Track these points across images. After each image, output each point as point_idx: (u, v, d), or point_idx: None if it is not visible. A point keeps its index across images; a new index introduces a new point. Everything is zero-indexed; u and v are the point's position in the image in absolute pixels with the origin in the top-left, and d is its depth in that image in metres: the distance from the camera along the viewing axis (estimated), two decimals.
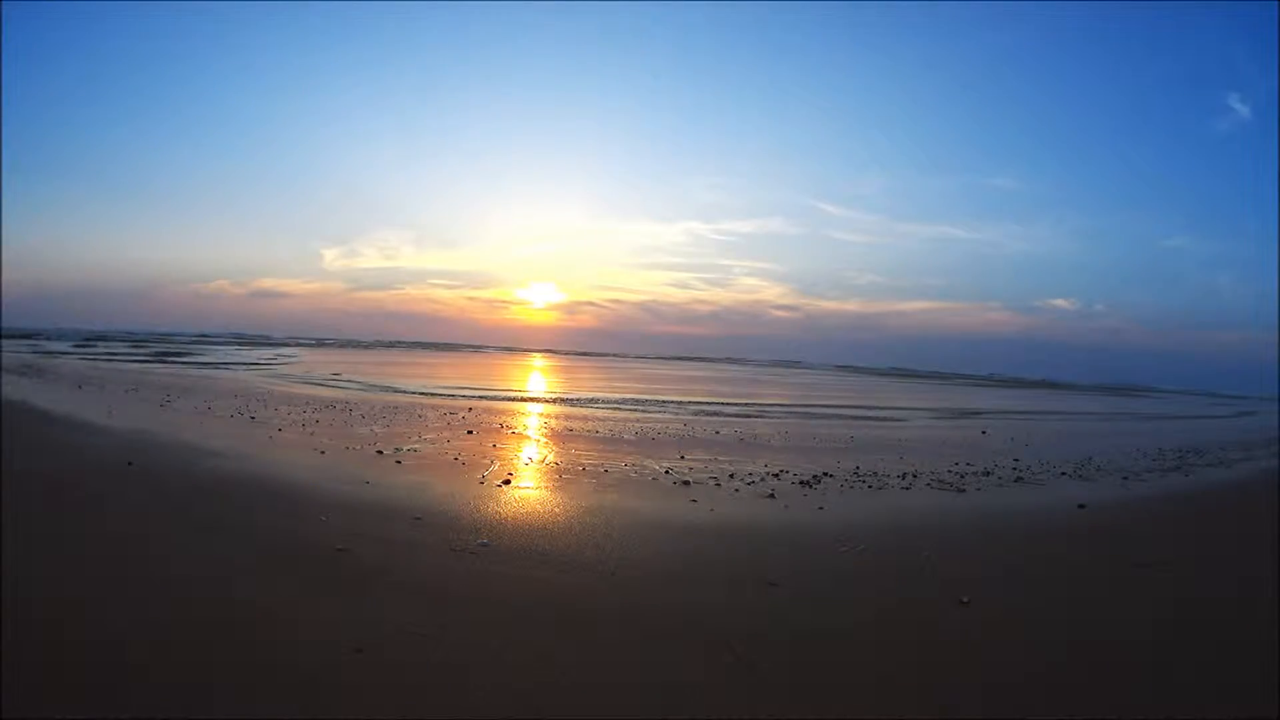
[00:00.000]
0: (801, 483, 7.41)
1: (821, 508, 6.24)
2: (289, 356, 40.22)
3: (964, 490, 7.49)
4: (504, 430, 11.10)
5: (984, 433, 14.63)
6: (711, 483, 7.23)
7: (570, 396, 20.32)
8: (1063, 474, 8.97)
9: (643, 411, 16.14)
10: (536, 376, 33.85)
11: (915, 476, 8.15)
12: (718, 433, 12.09)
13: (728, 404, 20.31)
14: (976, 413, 21.51)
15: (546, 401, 18.20)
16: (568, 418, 13.79)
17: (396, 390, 19.11)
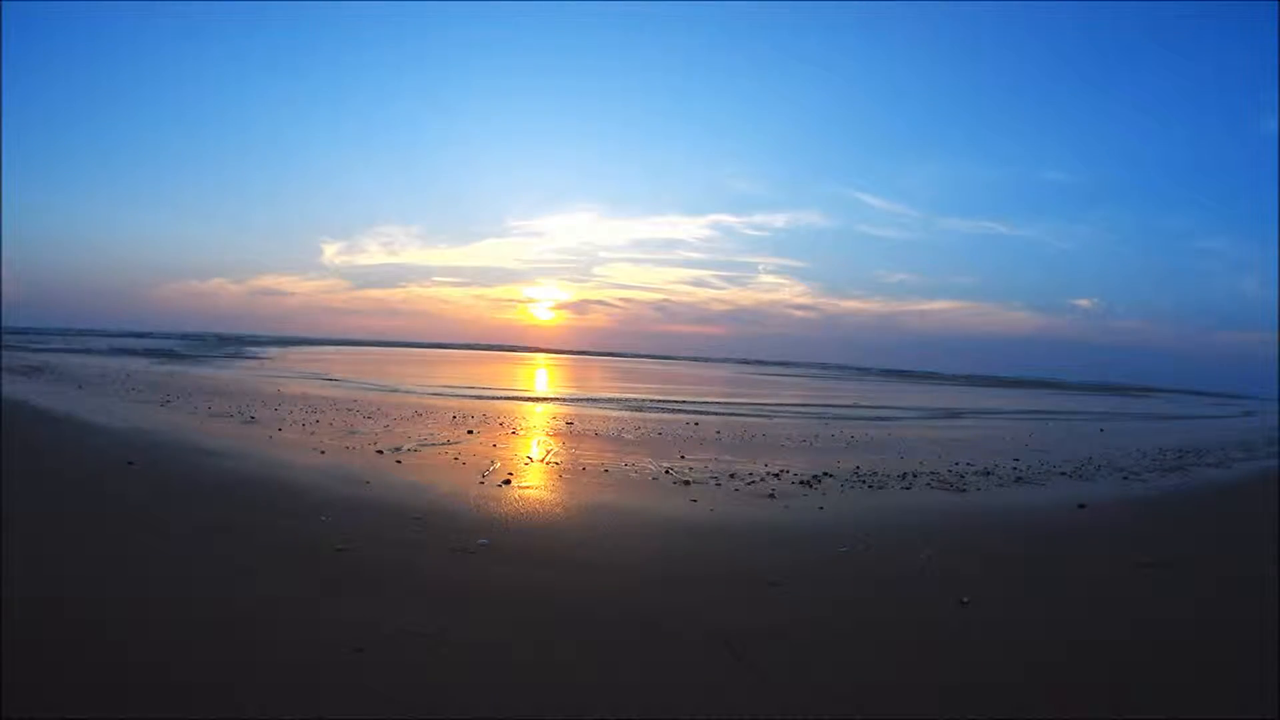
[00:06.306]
0: (801, 483, 7.41)
1: (821, 508, 6.24)
2: None
3: (964, 490, 7.49)
4: (505, 430, 11.10)
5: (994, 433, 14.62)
6: (712, 482, 7.23)
7: (571, 396, 20.34)
8: (1063, 474, 8.97)
9: (643, 411, 16.15)
10: (540, 376, 33.88)
11: (915, 476, 8.15)
12: (718, 433, 12.09)
13: (728, 404, 20.32)
14: (979, 413, 21.51)
15: (547, 401, 18.21)
16: (568, 417, 13.79)
17: (397, 389, 19.11)
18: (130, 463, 6.61)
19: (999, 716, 2.66)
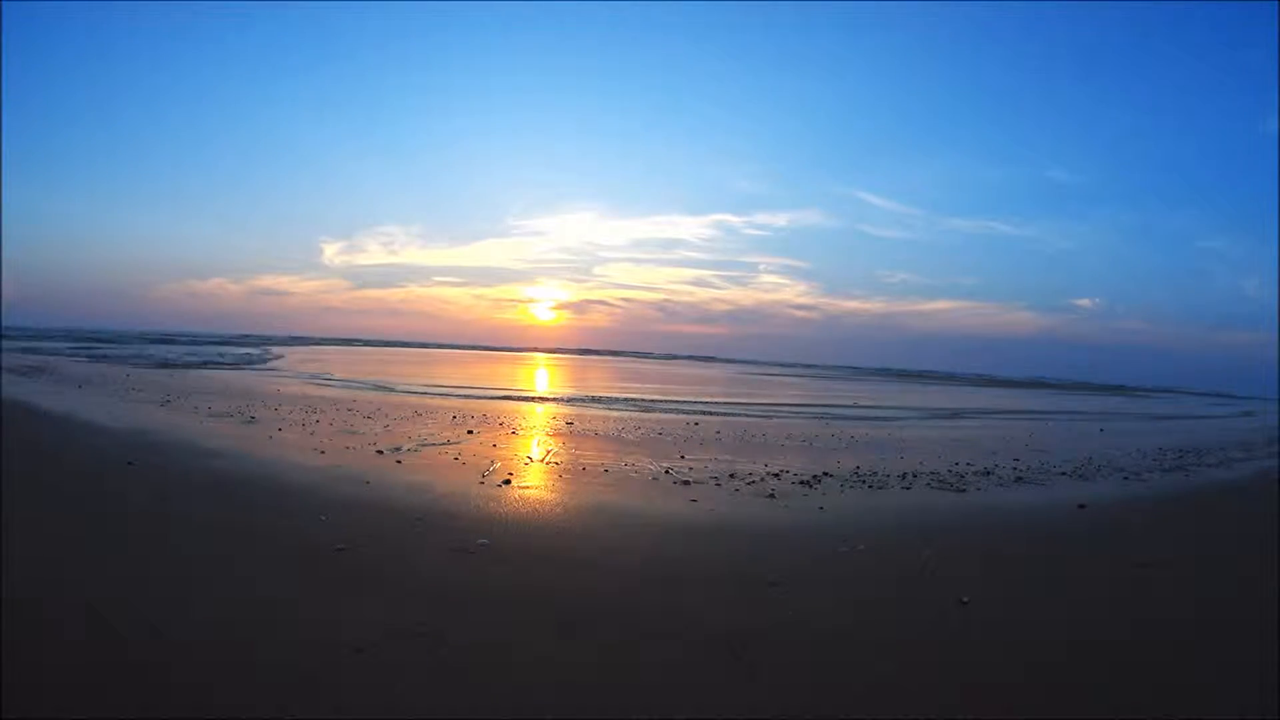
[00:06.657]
0: (801, 483, 7.40)
1: (821, 508, 6.24)
2: None
3: (964, 490, 7.49)
4: (504, 430, 11.10)
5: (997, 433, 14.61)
6: (712, 482, 7.23)
7: (571, 396, 20.33)
8: (1063, 474, 8.97)
9: (643, 411, 16.15)
10: (539, 376, 33.88)
11: (915, 476, 8.15)
12: (718, 433, 12.09)
13: (728, 404, 20.31)
14: (979, 412, 21.51)
15: (547, 401, 18.20)
16: (568, 417, 13.79)
17: (396, 389, 19.11)
18: (130, 463, 6.61)
19: (999, 716, 2.67)
